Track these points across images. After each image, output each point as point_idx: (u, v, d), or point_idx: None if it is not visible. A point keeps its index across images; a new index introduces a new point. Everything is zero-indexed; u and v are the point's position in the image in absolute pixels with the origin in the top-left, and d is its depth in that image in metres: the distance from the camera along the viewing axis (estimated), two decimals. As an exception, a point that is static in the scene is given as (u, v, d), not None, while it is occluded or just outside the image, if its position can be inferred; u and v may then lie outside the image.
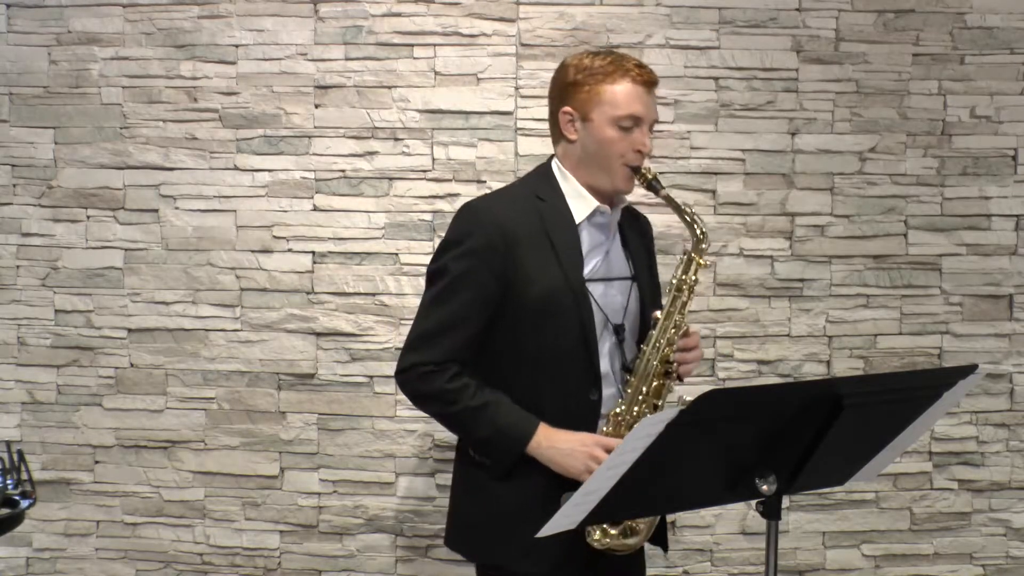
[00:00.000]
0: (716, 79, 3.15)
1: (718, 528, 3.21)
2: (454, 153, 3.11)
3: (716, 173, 3.16)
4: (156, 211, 3.14)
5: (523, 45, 3.12)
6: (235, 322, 3.14)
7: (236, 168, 3.13)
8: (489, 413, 2.16)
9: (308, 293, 3.13)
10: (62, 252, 3.15)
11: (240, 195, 3.13)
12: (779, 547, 1.89)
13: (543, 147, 3.10)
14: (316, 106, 3.12)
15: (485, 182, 3.09)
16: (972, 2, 3.18)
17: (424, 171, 3.12)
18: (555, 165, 2.29)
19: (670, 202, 2.21)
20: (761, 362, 3.19)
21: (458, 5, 3.11)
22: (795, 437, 1.80)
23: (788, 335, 3.20)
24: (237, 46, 3.12)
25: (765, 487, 1.81)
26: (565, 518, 1.78)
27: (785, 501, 2.09)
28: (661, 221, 3.15)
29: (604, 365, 2.22)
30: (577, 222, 2.23)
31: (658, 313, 2.23)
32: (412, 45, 3.12)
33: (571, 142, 2.24)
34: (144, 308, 3.14)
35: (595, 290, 2.22)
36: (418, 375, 2.19)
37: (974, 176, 3.21)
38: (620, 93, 2.20)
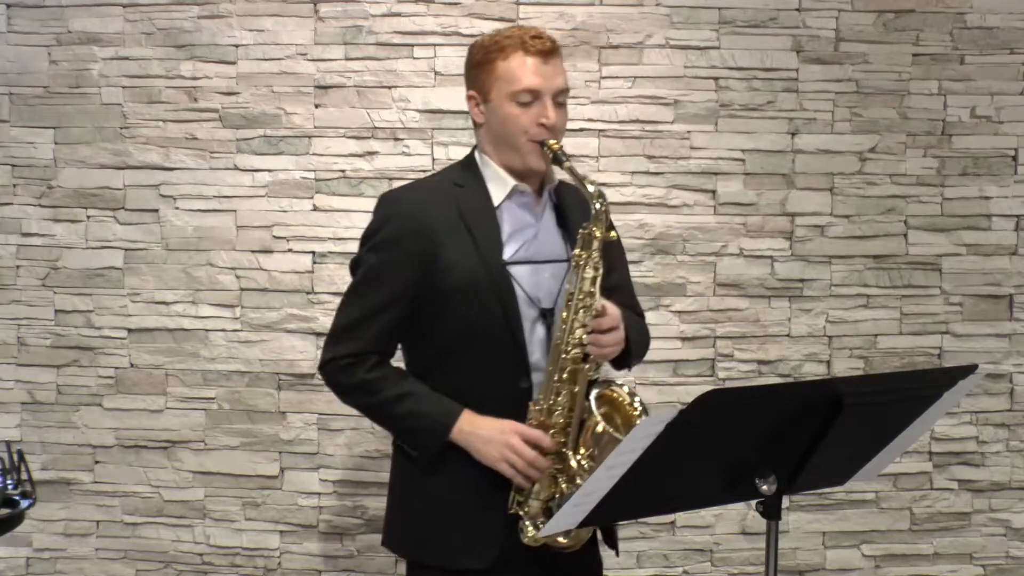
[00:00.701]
0: (716, 79, 3.15)
1: (718, 528, 3.21)
2: (454, 153, 3.11)
3: (716, 173, 3.16)
4: (156, 211, 3.14)
5: (523, 45, 3.11)
6: (235, 322, 3.14)
7: (236, 168, 3.13)
8: (410, 402, 2.13)
9: (308, 293, 3.14)
10: (62, 252, 3.15)
11: (240, 195, 3.13)
12: (779, 547, 1.89)
13: (543, 147, 3.11)
14: (316, 106, 3.12)
15: (485, 182, 3.09)
16: (972, 2, 3.18)
17: (424, 171, 3.12)
18: (476, 152, 2.26)
19: (572, 174, 2.11)
20: (761, 362, 3.19)
21: (458, 5, 3.11)
22: (795, 437, 1.80)
23: (788, 335, 3.20)
24: (237, 46, 3.12)
25: (765, 487, 1.81)
26: (565, 518, 1.78)
27: (785, 501, 2.09)
28: (661, 221, 3.15)
29: (534, 352, 2.15)
30: (496, 204, 2.19)
31: (567, 288, 2.13)
32: (412, 45, 3.12)
33: (480, 126, 2.22)
34: (144, 308, 3.14)
35: (520, 273, 2.15)
36: (338, 367, 2.18)
37: (974, 176, 3.21)
38: (515, 67, 2.13)
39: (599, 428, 2.10)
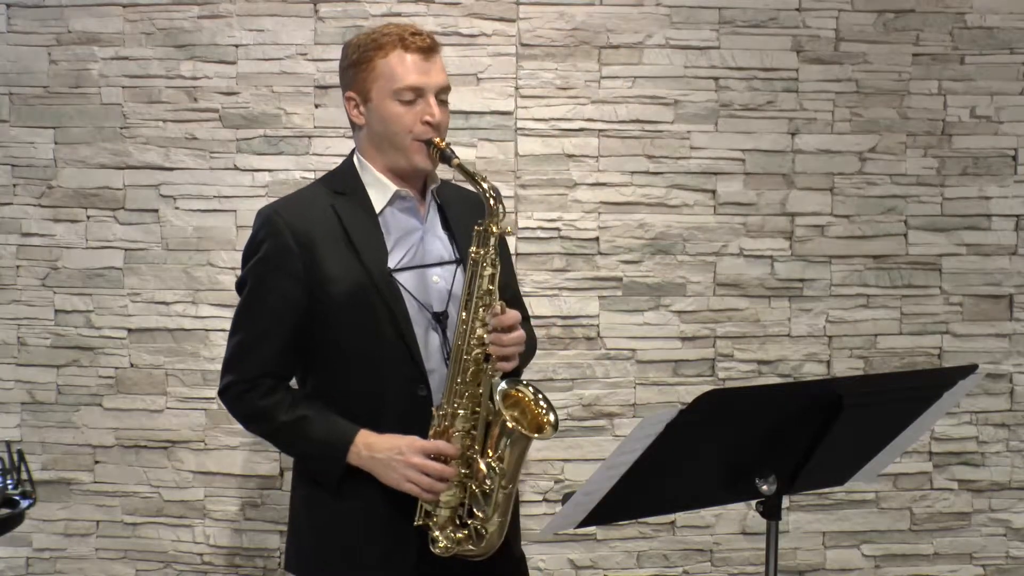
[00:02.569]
0: (716, 79, 3.15)
1: (718, 528, 3.21)
2: (454, 153, 3.11)
3: (716, 173, 3.16)
4: (156, 211, 3.14)
5: (523, 45, 3.12)
6: (235, 322, 3.14)
7: (236, 168, 3.13)
8: (305, 426, 2.08)
9: (308, 293, 3.13)
10: (62, 252, 3.15)
11: (240, 195, 3.13)
12: (779, 547, 1.89)
13: (543, 147, 3.11)
14: (316, 106, 3.12)
15: (485, 182, 3.09)
16: (972, 2, 3.18)
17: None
18: (355, 157, 2.21)
19: (463, 171, 2.07)
20: (761, 362, 3.19)
21: (458, 5, 3.11)
22: (795, 437, 1.80)
23: (788, 335, 3.20)
24: (237, 46, 3.12)
25: (765, 487, 1.81)
26: (565, 519, 1.78)
27: (785, 501, 2.09)
28: (661, 221, 3.15)
29: (432, 358, 2.11)
30: (378, 211, 2.14)
31: (465, 287, 2.09)
32: (412, 45, 3.11)
33: (360, 128, 2.17)
34: (144, 308, 3.14)
35: (407, 279, 2.11)
36: (234, 395, 2.14)
37: (974, 176, 3.21)
38: (395, 64, 2.08)
39: (508, 424, 2.05)
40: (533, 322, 2.67)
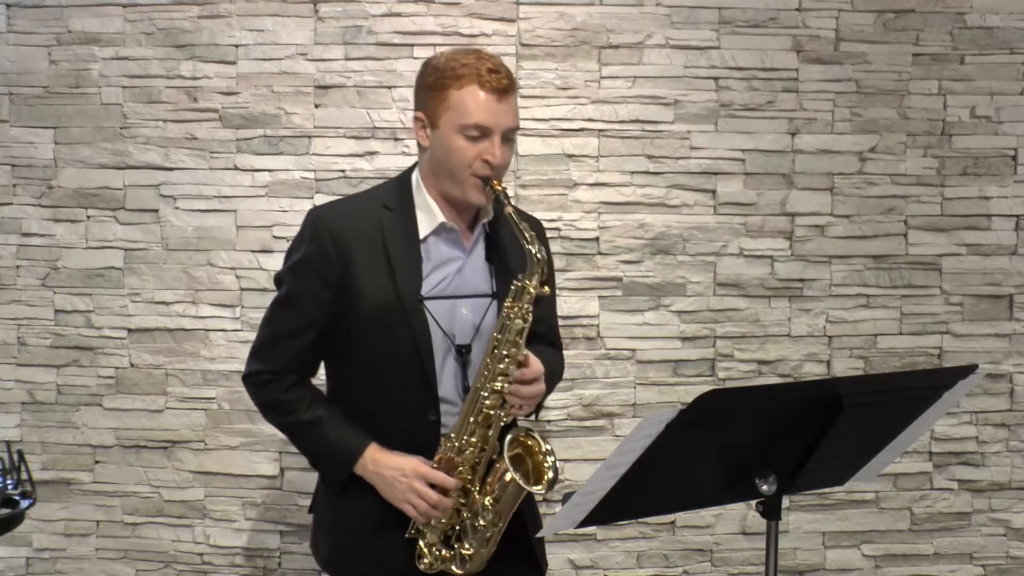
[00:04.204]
0: (716, 79, 3.15)
1: (718, 528, 3.21)
2: (454, 153, 3.11)
3: (716, 173, 3.16)
4: (156, 211, 3.14)
5: (523, 45, 3.12)
6: (235, 322, 3.14)
7: (236, 168, 3.13)
8: (320, 428, 2.14)
9: (308, 293, 3.13)
10: (62, 252, 3.15)
11: (240, 195, 3.13)
12: (779, 547, 1.89)
13: (543, 147, 3.11)
14: (316, 106, 3.12)
15: (485, 182, 3.09)
16: (972, 2, 3.18)
17: (424, 171, 3.12)
18: (415, 175, 2.22)
19: (511, 220, 2.06)
20: (761, 362, 3.19)
21: (458, 5, 3.11)
22: (795, 437, 1.80)
23: (788, 335, 3.20)
24: (237, 46, 3.12)
25: (765, 487, 1.81)
26: (565, 519, 1.78)
27: (785, 501, 2.09)
28: (661, 221, 3.15)
29: (445, 385, 2.14)
30: (422, 236, 2.15)
31: (495, 335, 2.11)
32: (412, 45, 3.12)
33: (424, 149, 2.17)
34: (144, 308, 3.14)
35: (437, 308, 2.13)
36: (258, 383, 2.20)
37: (974, 176, 3.21)
38: (467, 100, 2.07)
39: (507, 476, 2.12)
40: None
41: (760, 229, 3.18)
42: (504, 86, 2.10)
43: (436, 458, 2.13)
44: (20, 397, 3.16)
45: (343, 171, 3.12)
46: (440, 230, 2.16)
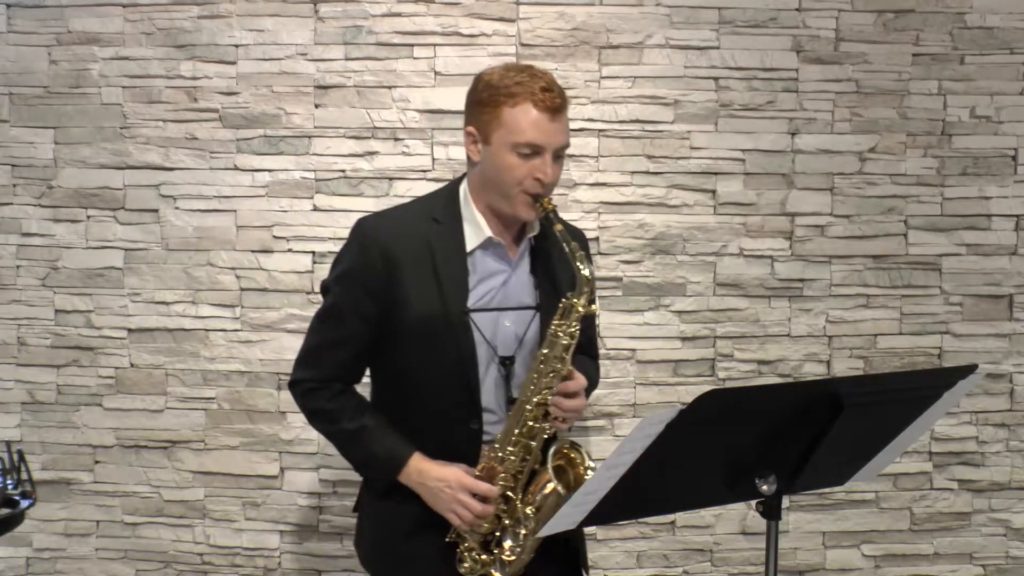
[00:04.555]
0: (716, 79, 3.15)
1: (718, 528, 3.21)
2: (454, 153, 3.11)
3: (716, 173, 3.16)
4: (156, 211, 3.14)
5: (523, 45, 3.12)
6: (235, 322, 3.14)
7: (236, 168, 3.13)
8: (365, 437, 2.18)
9: (308, 293, 3.13)
10: (62, 252, 3.15)
11: (240, 195, 3.13)
12: (779, 547, 1.89)
13: (543, 147, 3.11)
14: (316, 106, 3.12)
15: (485, 182, 3.09)
16: (972, 2, 3.18)
17: (424, 171, 3.12)
18: (463, 187, 2.24)
19: (562, 238, 2.11)
20: (761, 362, 3.19)
21: (458, 5, 3.11)
22: (795, 437, 1.80)
23: (788, 335, 3.20)
24: (237, 46, 3.12)
25: (765, 487, 1.81)
26: (565, 518, 1.78)
27: (785, 501, 2.09)
28: (661, 221, 3.15)
29: (487, 396, 2.18)
30: (468, 250, 2.18)
31: (538, 352, 2.15)
32: (412, 45, 3.12)
33: (474, 164, 2.19)
34: (144, 308, 3.14)
35: (482, 320, 2.16)
36: (303, 391, 2.24)
37: (974, 176, 3.21)
38: (520, 118, 2.09)
39: (549, 487, 2.15)
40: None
41: (760, 229, 3.18)
42: (557, 105, 2.12)
43: (479, 467, 2.16)
44: (20, 397, 3.16)
45: (343, 171, 3.12)
46: (487, 244, 2.19)
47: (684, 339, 3.17)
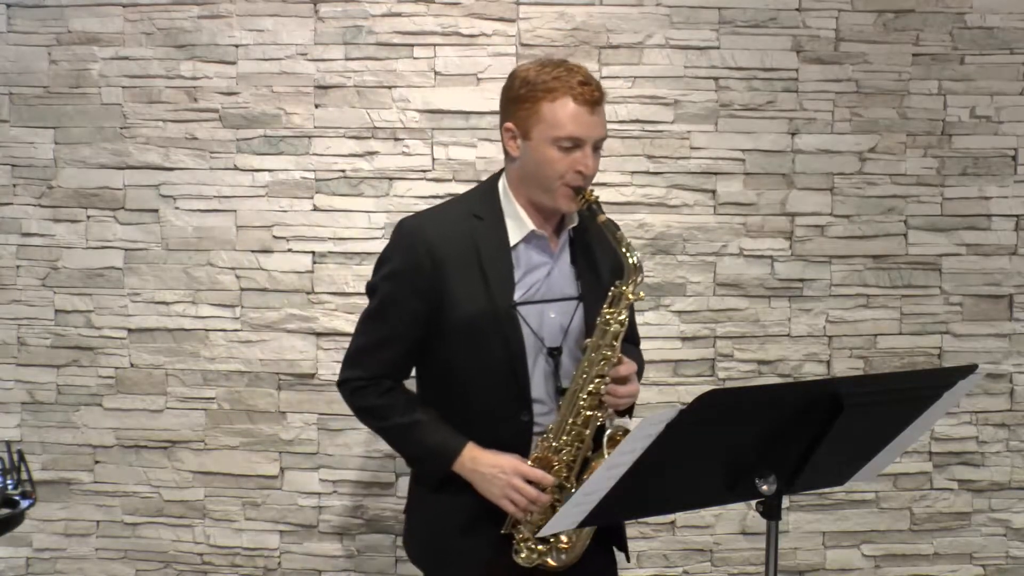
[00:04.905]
0: (716, 79, 3.15)
1: (718, 528, 3.21)
2: (454, 153, 3.11)
3: (716, 173, 3.16)
4: (156, 211, 3.14)
5: (523, 45, 3.12)
6: (235, 322, 3.14)
7: (236, 168, 3.13)
8: (418, 431, 2.20)
9: (308, 293, 3.14)
10: (62, 252, 3.15)
11: (240, 195, 3.13)
12: (779, 547, 1.89)
13: (543, 147, 3.11)
14: (316, 106, 3.12)
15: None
16: (972, 2, 3.18)
17: (424, 171, 3.12)
18: (501, 182, 2.25)
19: (607, 228, 2.14)
20: (761, 362, 3.19)
21: (458, 5, 3.11)
22: (795, 437, 1.80)
23: (788, 335, 3.20)
24: (237, 46, 3.12)
25: (765, 487, 1.81)
26: (565, 518, 1.78)
27: (785, 501, 2.09)
28: (661, 221, 3.15)
29: (537, 388, 2.19)
30: (512, 244, 2.19)
31: (588, 341, 2.16)
32: (412, 45, 3.12)
33: (513, 159, 2.20)
34: (144, 308, 3.14)
35: (528, 313, 2.17)
36: (352, 389, 2.25)
37: (974, 176, 3.21)
38: (560, 112, 2.11)
39: None
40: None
41: (760, 229, 3.18)
42: (596, 98, 2.15)
43: (532, 457, 2.17)
44: (20, 397, 3.16)
45: (343, 171, 3.12)
46: (530, 237, 2.21)
47: (684, 339, 3.17)
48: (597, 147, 2.18)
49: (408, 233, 2.21)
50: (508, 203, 2.22)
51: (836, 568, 3.24)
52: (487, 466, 2.15)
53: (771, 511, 1.85)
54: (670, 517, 3.19)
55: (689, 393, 3.08)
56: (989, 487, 3.25)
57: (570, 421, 2.15)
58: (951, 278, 3.22)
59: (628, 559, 2.37)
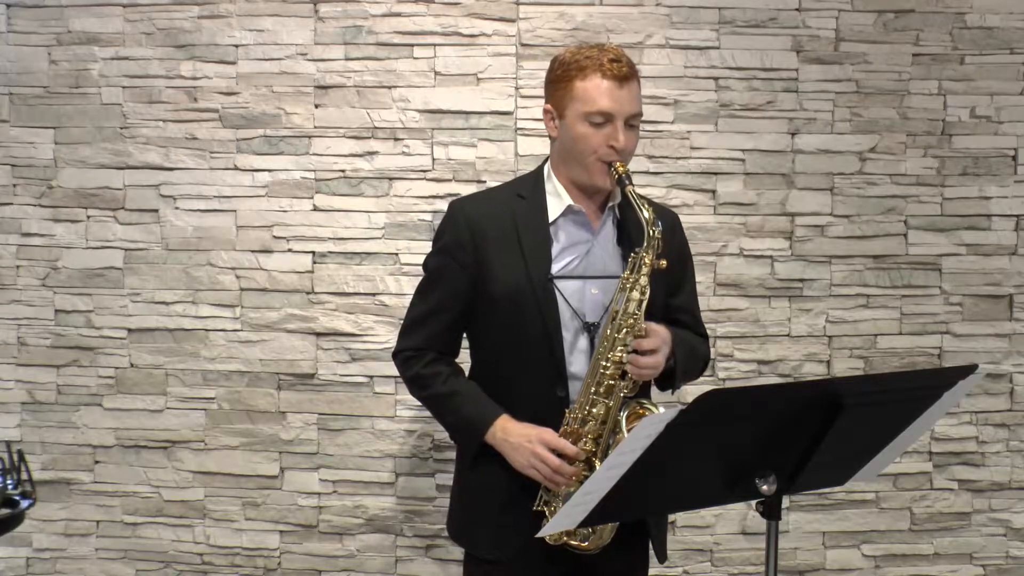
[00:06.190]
0: (716, 79, 3.15)
1: (718, 528, 3.21)
2: (454, 153, 3.11)
3: (716, 173, 3.16)
4: (156, 211, 3.14)
5: (523, 45, 3.12)
6: (235, 322, 3.14)
7: (236, 168, 3.13)
8: (456, 401, 2.26)
9: (308, 293, 3.14)
10: (62, 252, 3.15)
11: (240, 195, 3.13)
12: (779, 547, 1.89)
13: (543, 147, 3.10)
14: (316, 106, 3.12)
15: (485, 182, 3.09)
16: (972, 2, 3.18)
17: (424, 171, 3.12)
18: (546, 165, 2.33)
19: (632, 197, 2.15)
20: (761, 362, 3.19)
21: (458, 5, 3.11)
22: (795, 437, 1.80)
23: (788, 335, 3.20)
24: (237, 46, 3.12)
25: (765, 487, 1.81)
26: (565, 518, 1.78)
27: (785, 501, 2.09)
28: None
29: (575, 362, 2.22)
30: (551, 219, 2.25)
31: (612, 308, 2.18)
32: (412, 45, 3.12)
33: (553, 140, 2.27)
34: (144, 308, 3.14)
35: (566, 287, 2.22)
36: (403, 359, 2.34)
37: (974, 176, 3.21)
38: (590, 88, 2.17)
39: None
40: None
41: (760, 229, 3.18)
42: (624, 73, 2.19)
43: (561, 430, 2.19)
44: (20, 397, 3.16)
45: (343, 171, 3.12)
46: (568, 212, 2.26)
47: (684, 339, 3.17)
48: (631, 124, 2.21)
49: (453, 212, 2.30)
50: (550, 182, 2.29)
51: (836, 568, 3.24)
52: (515, 436, 2.19)
53: (771, 511, 1.85)
54: (670, 517, 3.18)
55: (689, 393, 3.08)
56: (989, 487, 3.25)
57: (593, 390, 2.17)
58: (951, 278, 3.22)
59: (661, 559, 2.36)
